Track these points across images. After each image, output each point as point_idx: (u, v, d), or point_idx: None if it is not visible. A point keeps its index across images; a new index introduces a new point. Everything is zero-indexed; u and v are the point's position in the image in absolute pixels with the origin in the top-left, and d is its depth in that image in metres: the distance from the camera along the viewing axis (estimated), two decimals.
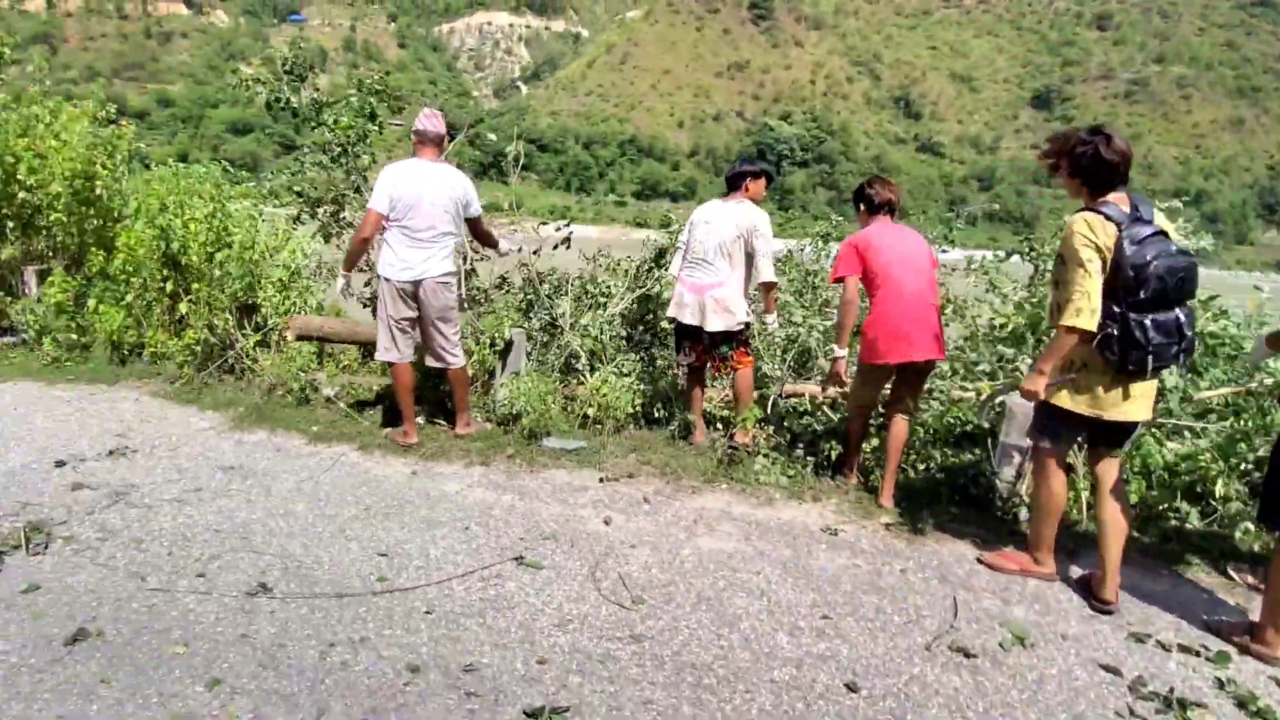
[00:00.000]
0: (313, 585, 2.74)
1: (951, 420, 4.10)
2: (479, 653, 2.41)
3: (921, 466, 4.05)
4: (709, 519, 3.49)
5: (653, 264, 5.58)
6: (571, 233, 5.52)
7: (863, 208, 3.86)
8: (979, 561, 3.16)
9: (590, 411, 4.47)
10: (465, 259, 5.00)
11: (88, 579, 2.72)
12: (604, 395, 4.52)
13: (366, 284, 5.36)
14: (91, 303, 5.45)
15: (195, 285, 4.97)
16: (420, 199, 3.87)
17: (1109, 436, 2.85)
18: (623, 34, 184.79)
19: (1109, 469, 2.89)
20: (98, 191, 5.93)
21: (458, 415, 4.28)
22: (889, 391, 3.84)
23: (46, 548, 2.91)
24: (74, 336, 5.40)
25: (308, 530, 3.15)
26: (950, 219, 6.15)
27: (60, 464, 3.68)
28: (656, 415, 4.72)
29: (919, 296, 3.57)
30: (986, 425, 3.80)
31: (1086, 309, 2.57)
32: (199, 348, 4.92)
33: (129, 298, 5.34)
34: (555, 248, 5.44)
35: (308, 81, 5.16)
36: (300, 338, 4.93)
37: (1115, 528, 2.81)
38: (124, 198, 6.21)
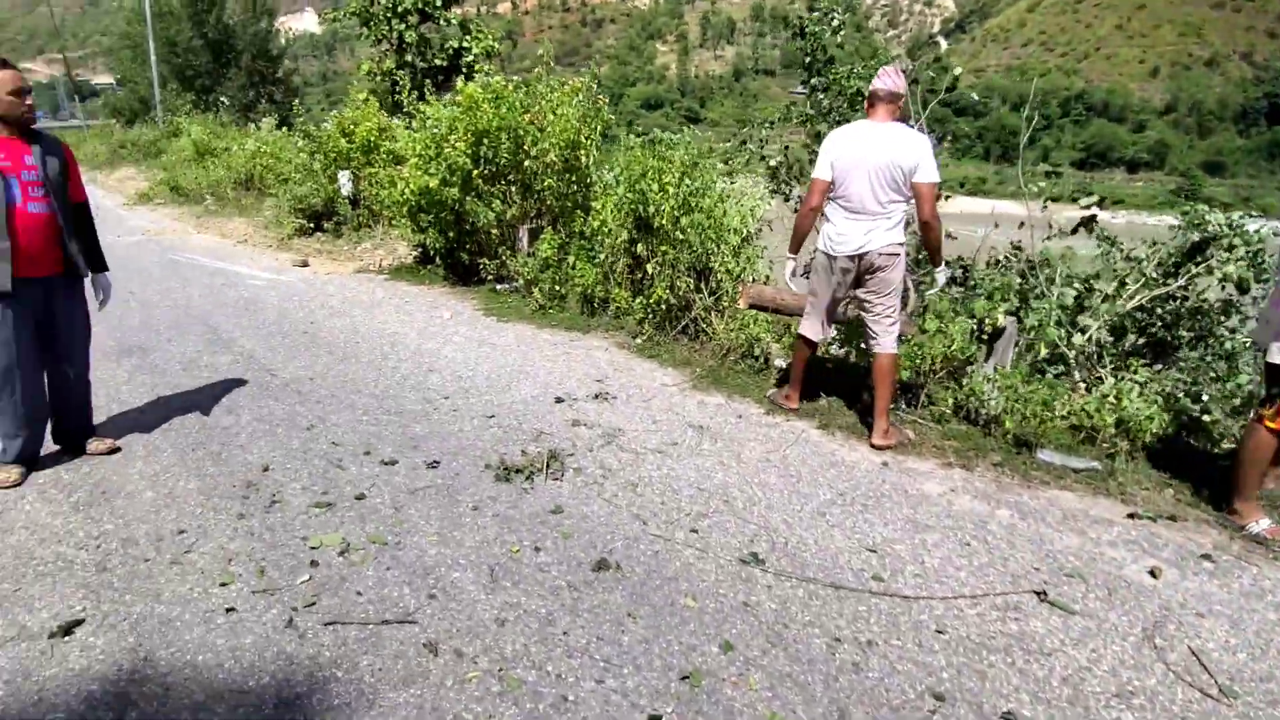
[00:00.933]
0: (803, 567, 2.75)
1: None
2: (1016, 700, 2.14)
3: None
4: None
5: (1183, 258, 4.59)
6: (1095, 216, 4.79)
7: None
8: None
9: (1100, 424, 3.81)
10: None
11: (598, 511, 3.14)
12: (1122, 409, 3.82)
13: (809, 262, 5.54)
14: (570, 259, 6.49)
15: (662, 248, 5.54)
16: (857, 166, 3.64)
17: None
18: None
19: None
20: (581, 159, 7.02)
21: (875, 419, 3.81)
22: None
23: (562, 476, 3.45)
24: (556, 288, 6.50)
25: (785, 505, 3.21)
26: None
27: (559, 400, 4.39)
28: (1198, 446, 3.83)
29: None
30: None
31: None
32: (661, 307, 5.49)
33: (601, 256, 6.21)
34: (1074, 231, 4.79)
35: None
36: (752, 307, 5.15)
37: None
38: (598, 165, 7.27)
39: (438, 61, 16.10)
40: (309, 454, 3.63)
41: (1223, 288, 4.52)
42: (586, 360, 5.18)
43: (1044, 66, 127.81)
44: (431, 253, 7.98)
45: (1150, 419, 3.72)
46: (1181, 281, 4.64)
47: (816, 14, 6.42)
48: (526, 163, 7.06)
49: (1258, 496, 3.17)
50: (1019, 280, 4.73)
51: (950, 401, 4.14)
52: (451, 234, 7.56)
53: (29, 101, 3.20)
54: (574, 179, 7.19)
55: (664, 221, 5.47)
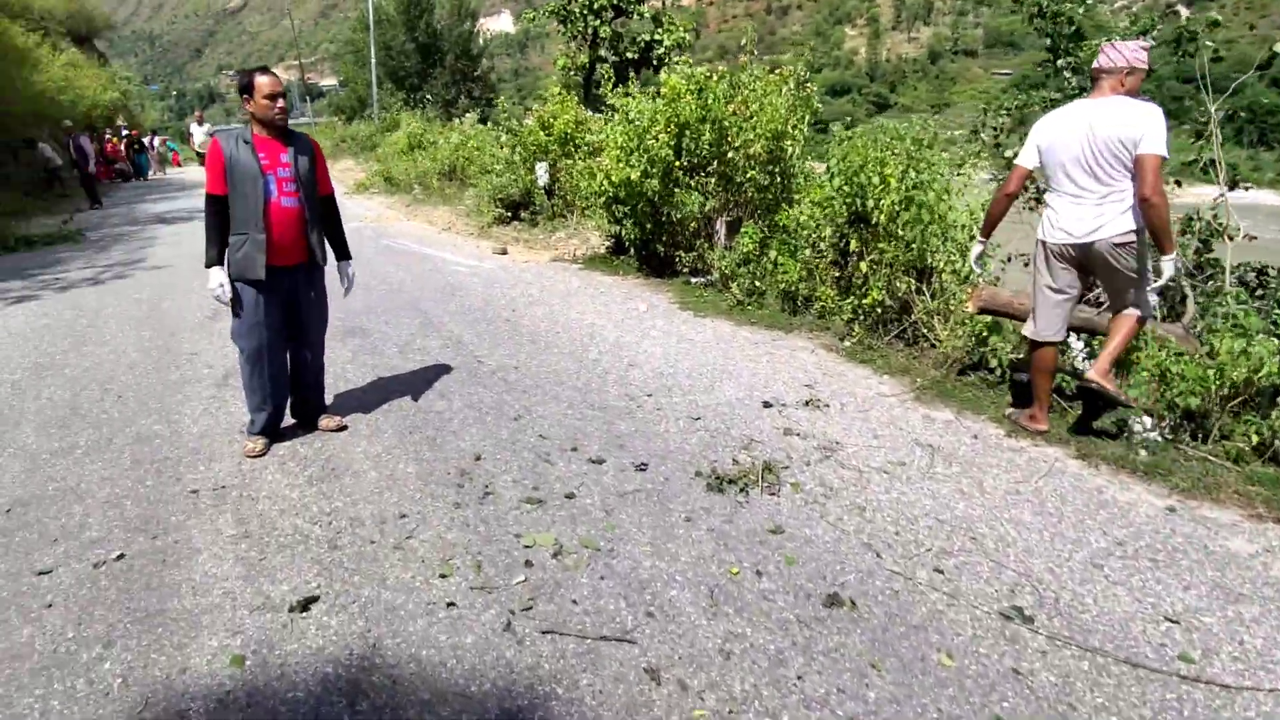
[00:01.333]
0: (1084, 633, 2.32)
1: None
2: None
3: None
4: None
5: None
6: None
7: None
8: None
9: None
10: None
11: (823, 535, 2.86)
12: None
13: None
14: (772, 254, 6.19)
15: (879, 245, 5.11)
16: (1069, 147, 3.41)
17: None
18: None
19: None
20: (787, 151, 6.69)
21: (1101, 357, 3.47)
22: None
23: (778, 491, 3.20)
24: (755, 283, 6.24)
25: (1048, 551, 2.75)
26: None
27: (767, 405, 4.13)
28: None
29: None
30: None
31: None
32: (876, 309, 5.07)
33: (805, 253, 5.87)
34: None
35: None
36: (982, 311, 4.61)
37: None
38: (804, 156, 6.91)
39: (629, 55, 16.35)
40: (518, 445, 3.63)
41: None
42: (791, 362, 4.88)
43: None
44: (626, 243, 7.98)
45: None
46: None
47: None
48: (729, 154, 6.83)
49: None
50: None
51: (1252, 438, 3.43)
52: (648, 225, 7.50)
53: (280, 105, 3.40)
54: (777, 171, 6.88)
55: (882, 217, 5.04)
